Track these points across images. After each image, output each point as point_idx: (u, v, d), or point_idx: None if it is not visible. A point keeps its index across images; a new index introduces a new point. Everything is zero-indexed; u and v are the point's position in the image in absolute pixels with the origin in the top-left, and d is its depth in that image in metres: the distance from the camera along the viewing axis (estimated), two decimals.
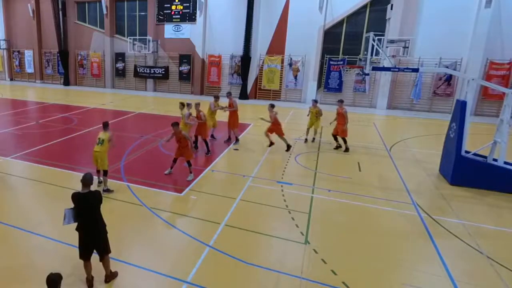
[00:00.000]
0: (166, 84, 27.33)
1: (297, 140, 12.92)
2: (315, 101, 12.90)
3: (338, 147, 11.67)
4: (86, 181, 4.54)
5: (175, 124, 8.61)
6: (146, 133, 13.14)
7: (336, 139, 11.68)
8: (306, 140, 12.75)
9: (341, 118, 11.30)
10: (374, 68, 10.82)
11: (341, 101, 11.86)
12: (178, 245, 5.85)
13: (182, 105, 11.37)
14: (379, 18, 20.60)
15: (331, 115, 12.87)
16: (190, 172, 8.71)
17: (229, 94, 12.54)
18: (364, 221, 6.80)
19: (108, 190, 7.66)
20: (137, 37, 26.62)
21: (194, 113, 10.98)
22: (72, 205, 4.55)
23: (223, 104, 12.50)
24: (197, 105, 10.92)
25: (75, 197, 4.52)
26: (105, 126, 7.85)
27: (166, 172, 8.99)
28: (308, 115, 12.84)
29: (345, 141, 11.42)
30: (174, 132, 8.62)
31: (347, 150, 11.38)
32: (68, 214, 4.48)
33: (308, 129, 12.79)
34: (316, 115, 12.46)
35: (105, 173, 7.80)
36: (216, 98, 12.06)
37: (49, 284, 3.42)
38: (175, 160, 8.94)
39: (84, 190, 4.53)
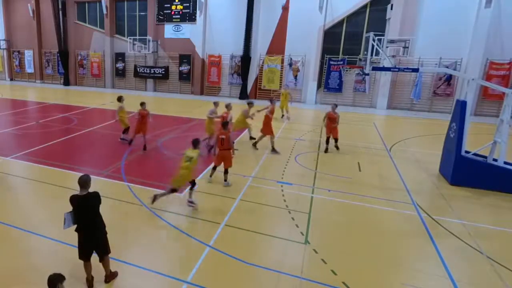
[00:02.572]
0: (166, 84, 27.33)
1: (297, 140, 12.92)
2: (287, 86, 18.20)
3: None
4: (83, 182, 4.51)
5: (226, 124, 8.36)
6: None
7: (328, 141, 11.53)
8: (283, 116, 16.46)
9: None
10: (374, 68, 10.80)
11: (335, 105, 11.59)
12: (178, 245, 5.85)
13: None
14: (379, 18, 20.60)
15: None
16: (225, 180, 8.33)
17: (272, 100, 12.12)
18: (364, 221, 6.80)
19: (192, 203, 7.09)
20: (137, 37, 26.62)
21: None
22: (71, 208, 4.54)
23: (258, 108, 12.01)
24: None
25: (74, 200, 4.51)
26: (196, 144, 7.05)
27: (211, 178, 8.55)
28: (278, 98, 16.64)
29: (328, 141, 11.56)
30: (222, 133, 8.18)
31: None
32: (67, 218, 4.47)
33: (282, 109, 16.52)
34: (286, 97, 16.31)
35: (193, 184, 7.15)
36: (250, 104, 11.72)
37: (49, 285, 3.42)
38: (215, 168, 8.54)
39: (82, 191, 4.52)
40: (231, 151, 8.35)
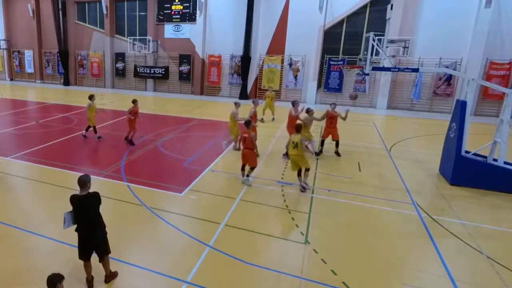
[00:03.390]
0: (166, 84, 27.32)
1: None
2: (271, 88, 17.92)
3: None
4: (83, 182, 4.51)
5: (248, 123, 8.36)
6: (146, 133, 13.12)
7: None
8: (262, 119, 15.09)
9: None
10: (374, 68, 10.79)
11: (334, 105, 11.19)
12: (178, 245, 5.85)
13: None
14: (379, 18, 20.59)
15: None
16: (247, 175, 8.44)
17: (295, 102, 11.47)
18: (364, 221, 6.80)
19: (304, 188, 8.00)
20: (137, 37, 26.61)
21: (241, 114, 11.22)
22: (71, 208, 4.54)
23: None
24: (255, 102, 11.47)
25: (74, 200, 4.51)
26: (299, 129, 8.07)
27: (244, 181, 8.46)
28: (265, 99, 16.53)
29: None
30: (244, 132, 8.30)
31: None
32: (67, 218, 4.47)
33: (264, 110, 16.04)
34: (272, 99, 16.44)
35: (307, 170, 8.06)
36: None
37: (49, 285, 3.42)
38: (243, 168, 8.53)
39: (82, 192, 4.52)
40: (254, 150, 8.36)
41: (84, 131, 12.42)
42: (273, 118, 16.56)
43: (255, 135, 8.50)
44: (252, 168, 8.48)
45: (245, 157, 8.41)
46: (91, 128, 12.24)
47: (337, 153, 11.02)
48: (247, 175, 8.46)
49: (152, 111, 18.43)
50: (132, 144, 11.56)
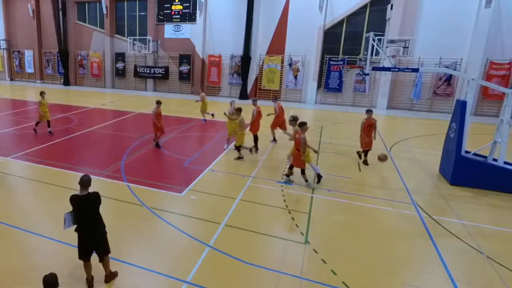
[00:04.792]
0: (166, 84, 27.33)
1: None
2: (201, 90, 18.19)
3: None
4: (84, 182, 4.51)
5: (303, 124, 8.31)
6: (146, 133, 13.13)
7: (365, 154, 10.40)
8: (205, 120, 16.12)
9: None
10: (374, 68, 10.80)
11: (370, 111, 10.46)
12: (178, 245, 5.84)
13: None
14: (379, 18, 20.59)
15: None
16: (306, 181, 8.37)
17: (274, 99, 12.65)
18: (364, 221, 6.80)
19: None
20: (137, 37, 26.63)
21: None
22: (71, 208, 4.54)
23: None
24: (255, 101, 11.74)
25: (75, 200, 4.51)
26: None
27: (284, 180, 8.63)
28: (202, 101, 16.06)
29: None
30: (296, 132, 8.34)
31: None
32: (68, 218, 4.47)
33: (203, 112, 16.09)
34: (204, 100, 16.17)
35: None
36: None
37: (46, 286, 3.42)
38: (291, 167, 8.58)
39: (83, 192, 4.52)
40: (301, 152, 8.12)
41: (35, 126, 13.08)
42: (205, 120, 16.24)
43: (304, 138, 8.05)
44: (291, 167, 8.57)
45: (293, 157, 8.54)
46: (41, 123, 12.88)
47: (365, 162, 10.28)
48: (287, 174, 8.64)
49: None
50: (159, 146, 11.43)
